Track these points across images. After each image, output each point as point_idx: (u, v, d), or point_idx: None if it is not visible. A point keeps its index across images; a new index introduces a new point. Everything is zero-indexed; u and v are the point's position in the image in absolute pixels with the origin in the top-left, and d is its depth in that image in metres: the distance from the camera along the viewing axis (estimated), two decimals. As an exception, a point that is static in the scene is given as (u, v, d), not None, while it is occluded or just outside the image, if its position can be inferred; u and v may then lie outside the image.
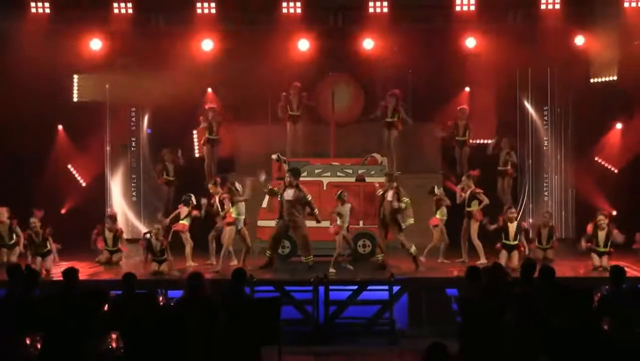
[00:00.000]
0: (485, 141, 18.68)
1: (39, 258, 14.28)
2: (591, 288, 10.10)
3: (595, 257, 14.44)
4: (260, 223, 15.54)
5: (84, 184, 19.26)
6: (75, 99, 18.75)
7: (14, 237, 15.23)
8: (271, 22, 17.73)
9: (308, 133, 18.39)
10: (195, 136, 19.28)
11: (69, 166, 19.15)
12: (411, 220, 14.53)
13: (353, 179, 15.85)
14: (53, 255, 14.58)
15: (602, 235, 14.48)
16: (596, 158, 18.89)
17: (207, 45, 18.10)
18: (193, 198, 15.37)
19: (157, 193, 18.80)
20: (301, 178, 15.61)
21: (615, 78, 17.96)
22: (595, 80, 18.25)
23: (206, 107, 18.48)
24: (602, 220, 14.54)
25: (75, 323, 8.16)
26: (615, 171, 18.80)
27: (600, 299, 9.58)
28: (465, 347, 8.52)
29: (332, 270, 13.99)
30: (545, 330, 7.75)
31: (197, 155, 19.17)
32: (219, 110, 18.45)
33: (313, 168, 16.09)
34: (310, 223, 14.81)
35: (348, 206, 14.57)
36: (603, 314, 8.63)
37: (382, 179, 15.53)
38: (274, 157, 16.12)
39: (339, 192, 14.60)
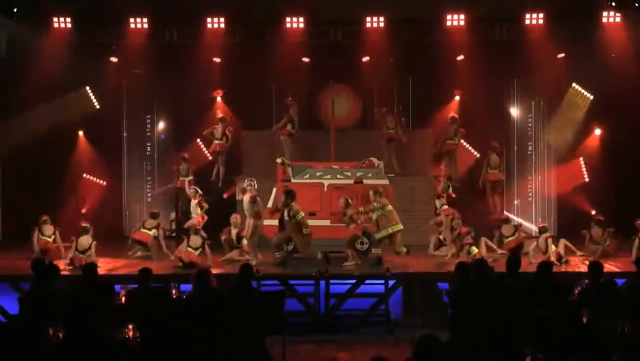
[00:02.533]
0: (474, 151, 18.85)
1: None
2: (572, 282, 10.12)
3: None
4: (265, 222, 15.54)
5: (104, 183, 19.22)
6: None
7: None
8: (276, 36, 17.74)
9: (310, 138, 18.42)
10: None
11: (85, 175, 19.09)
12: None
13: (352, 181, 15.85)
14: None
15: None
16: (577, 162, 18.95)
17: (217, 57, 18.14)
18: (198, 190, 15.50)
19: (169, 194, 18.84)
20: (304, 180, 15.69)
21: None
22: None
23: (216, 116, 18.51)
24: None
25: (92, 315, 8.19)
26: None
27: (580, 292, 9.60)
28: (455, 337, 8.53)
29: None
30: (529, 321, 7.76)
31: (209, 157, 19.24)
32: (226, 119, 18.43)
33: (315, 171, 16.09)
34: (316, 222, 14.95)
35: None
36: (582, 306, 8.64)
37: (380, 181, 15.65)
38: (278, 160, 16.14)
39: (346, 199, 14.64)
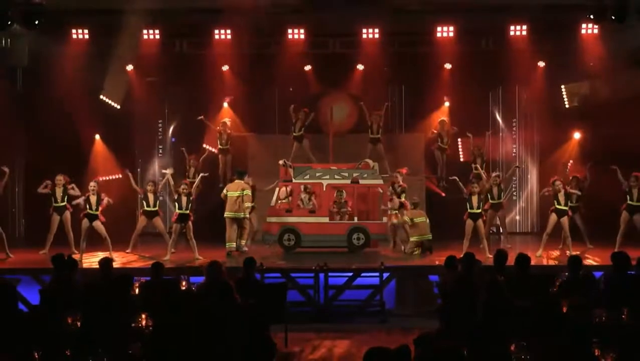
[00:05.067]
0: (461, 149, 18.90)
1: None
2: (553, 275, 10.13)
3: (553, 215, 14.56)
4: (268, 219, 15.56)
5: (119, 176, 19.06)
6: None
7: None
8: (279, 46, 17.77)
9: (311, 141, 18.43)
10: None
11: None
12: None
13: (349, 181, 15.86)
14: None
15: (560, 196, 14.60)
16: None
17: (224, 66, 18.16)
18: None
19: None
20: (304, 181, 15.69)
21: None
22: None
23: (220, 120, 18.54)
24: (558, 183, 14.69)
25: (109, 304, 8.21)
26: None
27: (561, 284, 9.61)
28: (445, 325, 8.55)
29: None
30: (512, 311, 7.78)
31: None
32: (230, 123, 18.42)
33: (314, 172, 16.09)
34: (315, 219, 15.02)
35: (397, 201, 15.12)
36: (562, 297, 8.64)
37: (375, 181, 15.67)
38: (280, 162, 16.16)
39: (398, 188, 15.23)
